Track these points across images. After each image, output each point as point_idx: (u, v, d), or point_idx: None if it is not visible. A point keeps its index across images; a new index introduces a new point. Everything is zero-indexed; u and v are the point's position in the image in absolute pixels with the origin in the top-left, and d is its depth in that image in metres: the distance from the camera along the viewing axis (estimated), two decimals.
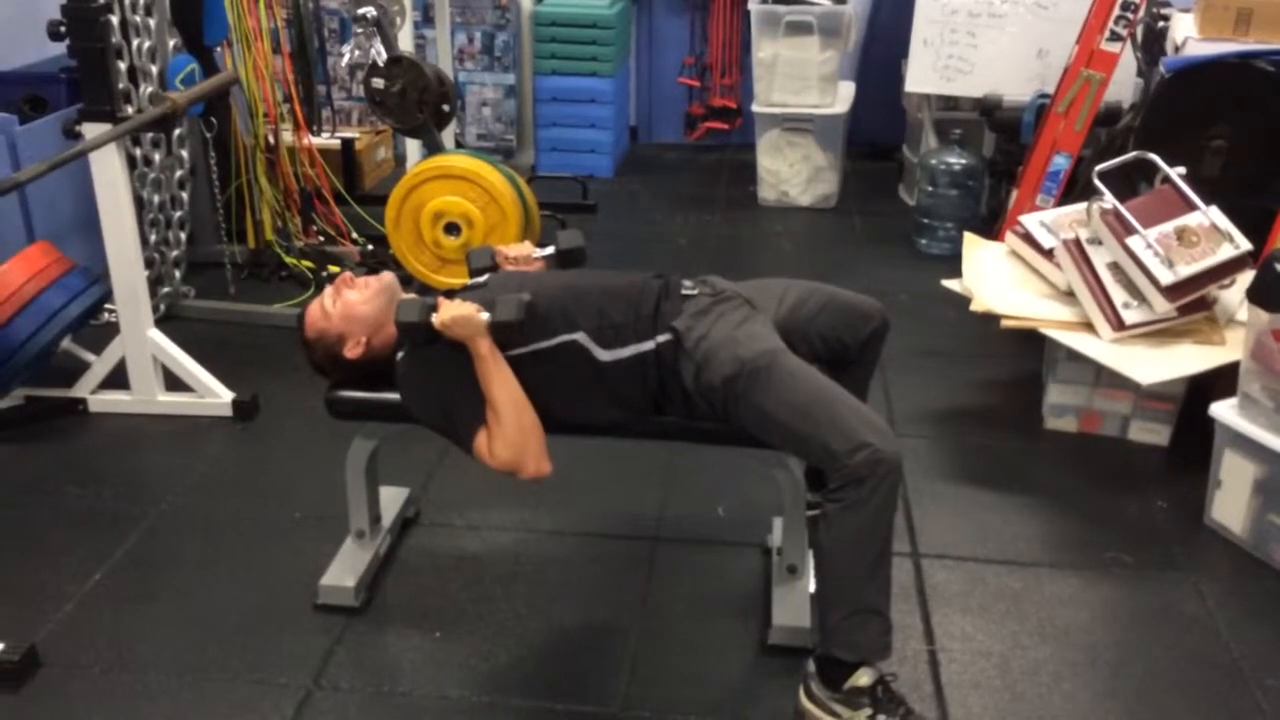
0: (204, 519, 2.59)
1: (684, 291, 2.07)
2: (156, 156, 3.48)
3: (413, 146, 3.93)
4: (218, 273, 3.80)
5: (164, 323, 3.45)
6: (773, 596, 2.24)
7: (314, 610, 2.27)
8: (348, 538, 2.38)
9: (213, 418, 3.00)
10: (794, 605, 2.20)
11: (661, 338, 2.00)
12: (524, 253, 2.32)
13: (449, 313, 1.97)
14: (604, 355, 2.01)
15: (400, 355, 2.10)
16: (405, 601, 2.32)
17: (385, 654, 2.19)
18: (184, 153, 3.60)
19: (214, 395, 3.00)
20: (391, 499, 2.53)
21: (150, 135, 3.41)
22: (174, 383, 3.04)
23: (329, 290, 2.18)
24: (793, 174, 4.68)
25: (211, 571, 2.41)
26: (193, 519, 2.60)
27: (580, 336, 2.01)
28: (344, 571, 2.31)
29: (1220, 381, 2.58)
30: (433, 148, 3.59)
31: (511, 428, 1.94)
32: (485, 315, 1.96)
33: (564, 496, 2.66)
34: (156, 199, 3.51)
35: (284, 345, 3.43)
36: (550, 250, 2.31)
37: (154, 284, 3.53)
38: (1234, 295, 2.73)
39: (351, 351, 2.14)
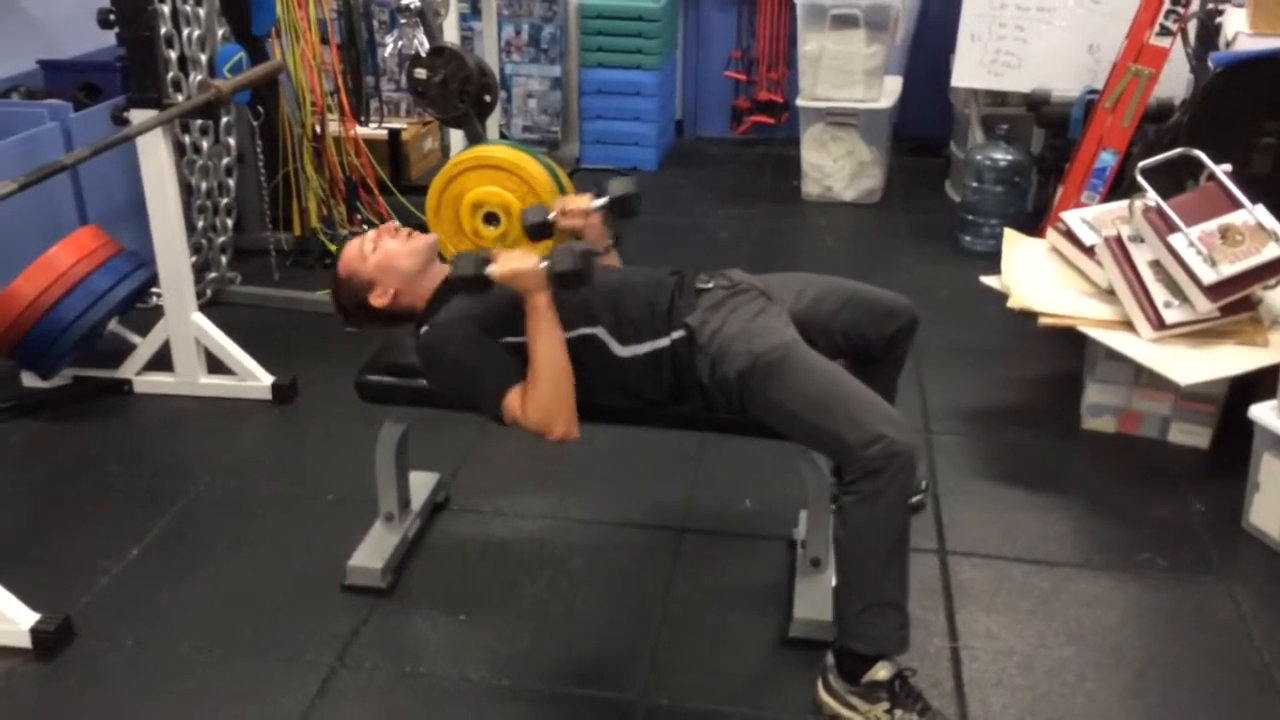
0: (239, 499, 2.65)
1: (699, 286, 2.08)
2: (205, 144, 3.56)
3: (457, 136, 3.96)
4: (263, 259, 3.86)
5: (210, 307, 3.54)
6: (795, 589, 2.24)
7: (342, 591, 2.31)
8: (377, 521, 2.42)
9: (252, 400, 3.06)
10: (816, 598, 2.20)
11: (676, 334, 2.01)
12: (580, 205, 2.21)
13: (508, 265, 1.93)
14: (622, 351, 2.02)
15: (423, 329, 2.09)
16: (431, 585, 2.35)
17: (409, 635, 2.22)
18: (231, 140, 3.67)
19: (254, 379, 3.06)
20: (422, 484, 2.56)
21: (199, 123, 3.48)
22: (216, 366, 3.10)
23: (372, 234, 2.18)
24: (837, 169, 4.65)
25: (244, 550, 2.46)
26: (229, 498, 2.65)
27: (599, 331, 2.02)
28: (372, 554, 2.35)
29: (1263, 383, 2.53)
30: (474, 138, 3.63)
31: (548, 388, 1.93)
32: (544, 265, 1.92)
33: (592, 485, 2.68)
34: (204, 186, 3.59)
35: (325, 331, 3.50)
36: (605, 200, 2.20)
37: (201, 269, 3.60)
38: (1279, 296, 2.67)
39: (377, 300, 2.15)
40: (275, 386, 3.06)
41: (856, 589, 1.89)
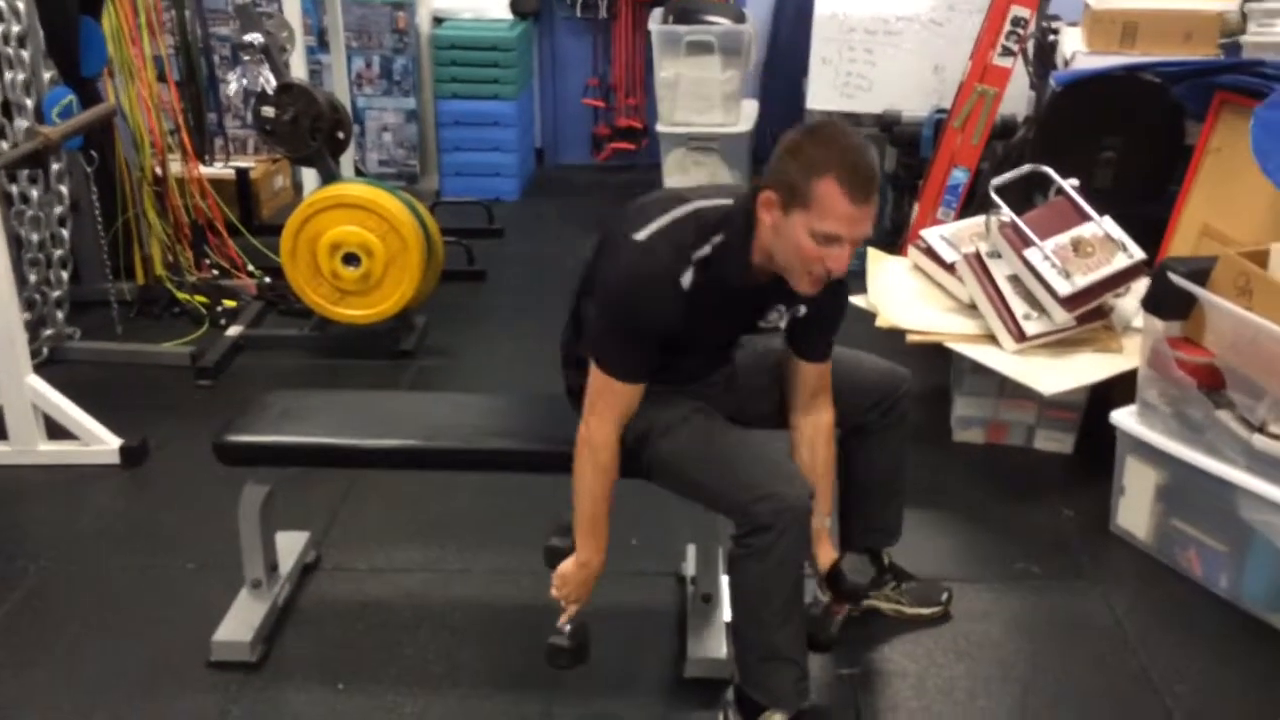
0: (89, 575, 2.46)
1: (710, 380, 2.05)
2: (34, 193, 3.33)
3: (310, 174, 3.82)
4: (104, 311, 3.63)
5: (48, 367, 3.31)
6: (688, 627, 2.20)
7: (208, 668, 2.15)
8: (243, 588, 2.28)
9: (99, 466, 2.86)
10: (709, 636, 2.16)
11: None
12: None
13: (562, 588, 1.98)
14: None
15: (685, 264, 1.81)
16: (305, 653, 2.22)
17: (284, 711, 2.08)
18: (64, 188, 3.44)
19: (99, 442, 2.86)
20: (290, 544, 2.42)
21: (26, 172, 3.26)
22: (57, 430, 2.89)
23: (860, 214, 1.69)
24: None
25: (98, 631, 2.28)
26: (77, 575, 2.46)
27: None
28: (239, 625, 2.20)
29: (1120, 388, 2.62)
30: (328, 176, 3.50)
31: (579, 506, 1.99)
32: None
33: (471, 532, 2.59)
34: (35, 237, 3.36)
35: (175, 385, 3.31)
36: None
37: (36, 326, 3.37)
38: (1130, 303, 2.77)
39: (766, 203, 1.74)
40: (123, 449, 2.86)
41: (752, 640, 1.89)
